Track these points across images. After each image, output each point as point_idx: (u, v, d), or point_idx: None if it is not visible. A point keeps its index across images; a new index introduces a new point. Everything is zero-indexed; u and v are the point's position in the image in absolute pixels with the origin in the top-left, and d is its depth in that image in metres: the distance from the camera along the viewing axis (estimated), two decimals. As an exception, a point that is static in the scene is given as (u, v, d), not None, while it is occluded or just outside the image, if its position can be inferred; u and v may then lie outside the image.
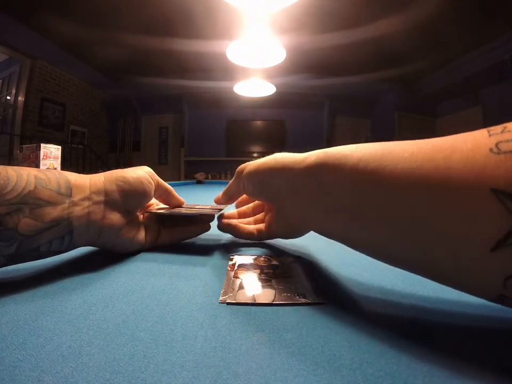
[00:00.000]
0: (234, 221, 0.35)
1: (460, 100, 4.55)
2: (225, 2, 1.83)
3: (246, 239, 0.35)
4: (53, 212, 0.23)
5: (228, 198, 0.35)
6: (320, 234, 0.25)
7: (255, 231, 0.34)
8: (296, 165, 0.23)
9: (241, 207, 0.38)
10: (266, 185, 0.27)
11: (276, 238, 0.34)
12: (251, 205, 0.38)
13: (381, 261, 0.20)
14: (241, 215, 0.38)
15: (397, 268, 0.27)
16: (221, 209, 0.35)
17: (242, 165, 0.30)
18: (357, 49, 3.72)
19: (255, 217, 0.37)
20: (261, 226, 0.34)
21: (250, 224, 0.36)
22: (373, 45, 3.58)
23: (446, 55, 3.89)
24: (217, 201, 0.36)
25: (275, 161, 0.26)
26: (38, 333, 0.15)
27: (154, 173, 0.32)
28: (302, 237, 0.42)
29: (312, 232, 0.45)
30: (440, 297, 0.21)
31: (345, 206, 0.19)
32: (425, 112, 5.30)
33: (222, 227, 0.35)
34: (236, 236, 0.35)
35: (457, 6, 2.82)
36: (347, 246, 0.22)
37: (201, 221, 0.35)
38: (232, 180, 0.32)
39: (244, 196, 0.36)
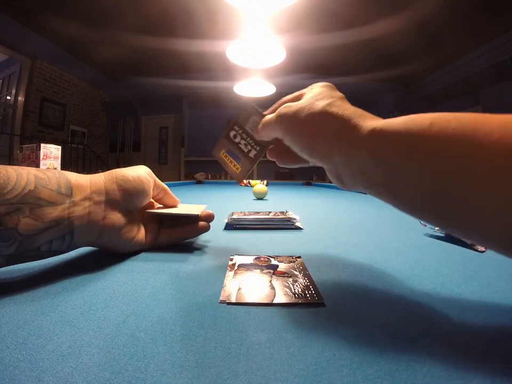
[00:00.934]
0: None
1: (460, 100, 4.55)
2: (225, 3, 1.83)
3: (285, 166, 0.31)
4: (53, 212, 0.23)
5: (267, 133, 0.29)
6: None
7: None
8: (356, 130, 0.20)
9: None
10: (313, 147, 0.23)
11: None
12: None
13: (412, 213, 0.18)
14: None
15: (396, 268, 0.27)
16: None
17: (284, 108, 0.25)
18: (357, 50, 3.72)
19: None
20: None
21: None
22: (373, 45, 3.58)
23: (446, 55, 3.89)
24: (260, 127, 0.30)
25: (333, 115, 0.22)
26: (38, 333, 0.15)
27: (152, 172, 0.32)
28: (302, 236, 0.42)
29: (312, 233, 0.45)
30: (440, 297, 0.21)
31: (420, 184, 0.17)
32: (425, 112, 5.29)
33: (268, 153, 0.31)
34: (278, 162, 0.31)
35: (457, 6, 2.82)
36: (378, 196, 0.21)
37: (201, 221, 0.35)
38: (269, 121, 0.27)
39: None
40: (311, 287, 0.22)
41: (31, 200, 0.22)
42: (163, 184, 0.34)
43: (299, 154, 0.26)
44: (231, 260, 0.29)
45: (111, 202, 0.27)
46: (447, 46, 3.63)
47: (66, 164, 4.05)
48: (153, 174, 0.32)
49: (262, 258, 0.29)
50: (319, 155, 0.23)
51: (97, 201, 0.26)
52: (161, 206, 0.36)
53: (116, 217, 0.27)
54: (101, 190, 0.27)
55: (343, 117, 0.22)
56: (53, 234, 0.23)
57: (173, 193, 0.36)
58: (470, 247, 0.35)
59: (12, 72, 4.09)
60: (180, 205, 0.37)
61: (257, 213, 0.53)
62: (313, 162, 0.25)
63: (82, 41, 3.73)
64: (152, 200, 0.35)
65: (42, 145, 1.03)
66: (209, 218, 0.36)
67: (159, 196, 0.34)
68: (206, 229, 0.35)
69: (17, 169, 0.23)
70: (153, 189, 0.32)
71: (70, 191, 0.25)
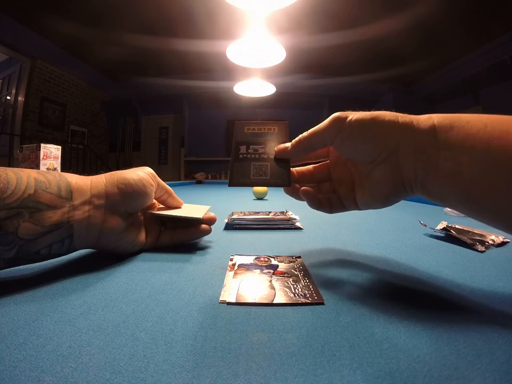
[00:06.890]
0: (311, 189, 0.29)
1: (460, 100, 4.55)
2: (225, 3, 1.83)
3: (318, 210, 0.29)
4: (53, 216, 0.23)
5: (303, 149, 0.26)
6: (429, 198, 0.23)
7: (330, 203, 0.29)
8: (420, 123, 0.22)
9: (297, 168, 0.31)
10: (382, 141, 0.22)
11: (356, 209, 0.28)
12: (310, 167, 0.31)
13: (496, 225, 0.20)
14: (300, 177, 0.31)
15: (396, 268, 0.27)
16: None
17: (340, 113, 0.24)
18: (357, 49, 3.72)
19: (319, 186, 0.31)
20: (333, 197, 0.29)
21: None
22: (373, 45, 3.58)
23: (445, 55, 3.89)
24: (281, 151, 0.28)
25: (392, 116, 0.23)
26: (38, 333, 0.15)
27: (155, 173, 0.32)
28: (302, 236, 0.42)
29: (312, 233, 0.45)
30: (440, 297, 0.21)
31: (471, 169, 0.19)
32: (425, 112, 5.28)
33: (301, 192, 0.28)
34: (311, 205, 0.28)
35: (457, 6, 2.82)
36: (460, 210, 0.21)
37: (203, 223, 0.35)
38: (320, 127, 0.25)
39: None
40: (311, 287, 0.22)
41: (31, 204, 0.22)
42: (167, 186, 0.34)
43: (352, 154, 0.25)
44: (231, 260, 0.29)
45: (111, 205, 0.27)
46: (447, 46, 3.63)
47: (66, 164, 4.04)
48: (157, 176, 0.32)
49: (262, 258, 0.29)
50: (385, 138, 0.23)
51: (97, 205, 0.26)
52: (163, 206, 0.36)
53: (116, 221, 0.27)
54: (101, 193, 0.27)
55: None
56: (52, 238, 0.23)
57: (176, 195, 0.35)
58: (470, 247, 0.35)
59: (12, 72, 4.09)
60: (183, 205, 0.37)
61: (257, 213, 0.53)
62: (369, 157, 0.24)
63: (82, 41, 3.72)
64: (154, 200, 0.35)
65: (42, 145, 1.03)
66: (211, 221, 0.36)
67: (163, 198, 0.34)
68: (208, 231, 0.35)
69: (17, 172, 0.23)
70: (156, 191, 0.32)
71: (70, 194, 0.25)
